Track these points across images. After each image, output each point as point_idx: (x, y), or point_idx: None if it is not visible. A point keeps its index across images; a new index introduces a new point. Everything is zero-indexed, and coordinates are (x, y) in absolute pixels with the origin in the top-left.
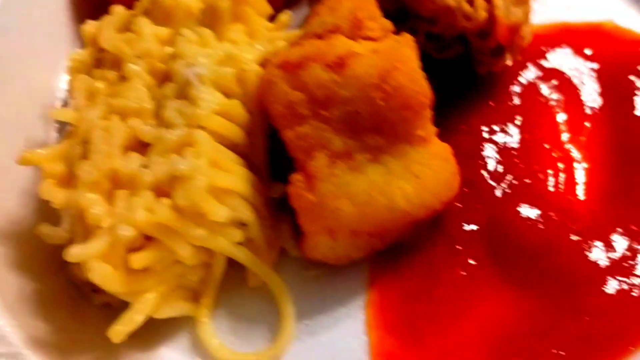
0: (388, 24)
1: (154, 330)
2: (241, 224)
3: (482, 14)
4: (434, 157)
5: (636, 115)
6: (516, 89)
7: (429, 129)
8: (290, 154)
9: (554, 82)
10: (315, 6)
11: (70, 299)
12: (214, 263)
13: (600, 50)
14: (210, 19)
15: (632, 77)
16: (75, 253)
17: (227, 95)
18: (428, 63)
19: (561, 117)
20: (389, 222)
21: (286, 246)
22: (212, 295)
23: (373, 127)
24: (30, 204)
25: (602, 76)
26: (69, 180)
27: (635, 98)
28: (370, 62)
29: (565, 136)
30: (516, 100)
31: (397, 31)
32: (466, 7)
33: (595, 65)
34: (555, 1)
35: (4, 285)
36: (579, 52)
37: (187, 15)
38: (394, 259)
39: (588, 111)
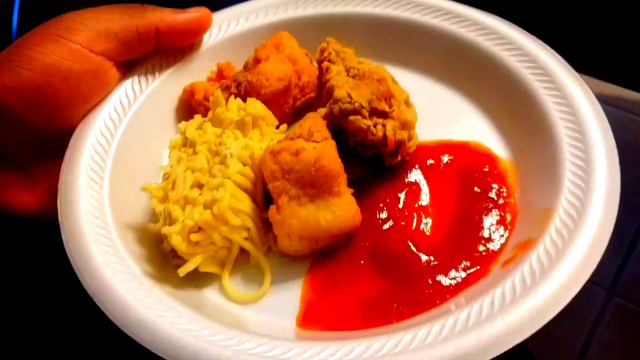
0: (327, 134)
1: (200, 279)
2: (246, 229)
3: (379, 133)
4: (344, 203)
5: (475, 198)
6: (405, 175)
7: (342, 188)
8: (271, 196)
9: (426, 172)
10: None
11: (162, 260)
12: (232, 247)
13: (462, 156)
14: (241, 125)
15: (476, 174)
16: (165, 230)
17: (244, 164)
18: (359, 158)
19: (426, 191)
20: (318, 234)
21: (271, 245)
22: (230, 265)
23: (310, 184)
24: (147, 213)
25: (458, 170)
26: (164, 200)
27: (475, 187)
28: (311, 153)
29: (426, 202)
30: (404, 180)
31: (334, 138)
32: (372, 128)
33: (455, 164)
34: (442, 127)
35: (132, 251)
36: (448, 156)
37: (229, 122)
38: (325, 254)
39: (445, 188)
